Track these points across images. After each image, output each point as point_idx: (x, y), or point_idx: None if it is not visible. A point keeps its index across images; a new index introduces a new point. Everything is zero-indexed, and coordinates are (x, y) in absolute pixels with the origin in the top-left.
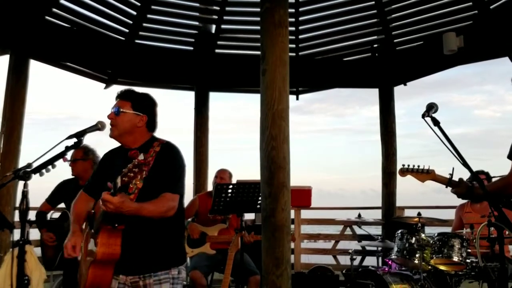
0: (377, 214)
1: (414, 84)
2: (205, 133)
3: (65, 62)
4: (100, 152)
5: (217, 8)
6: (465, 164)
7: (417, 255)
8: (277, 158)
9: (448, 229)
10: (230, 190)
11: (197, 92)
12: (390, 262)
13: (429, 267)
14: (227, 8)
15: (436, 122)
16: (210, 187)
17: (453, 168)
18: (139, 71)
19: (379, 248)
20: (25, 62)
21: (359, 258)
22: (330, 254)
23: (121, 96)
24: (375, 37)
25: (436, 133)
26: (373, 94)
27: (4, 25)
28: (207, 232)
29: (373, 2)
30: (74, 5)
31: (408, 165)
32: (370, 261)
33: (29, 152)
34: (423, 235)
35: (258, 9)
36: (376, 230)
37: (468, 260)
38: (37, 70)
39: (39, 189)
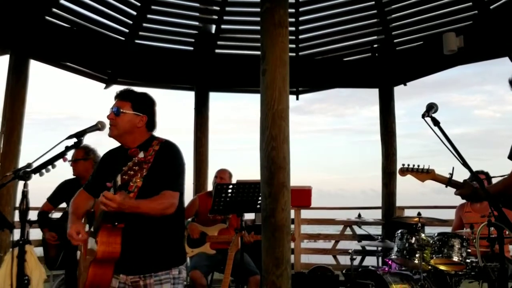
0: (377, 214)
1: (414, 84)
2: (205, 133)
3: (65, 62)
4: (101, 152)
5: (217, 8)
6: (465, 164)
7: (417, 255)
8: (277, 158)
9: (448, 229)
10: (230, 190)
11: (197, 92)
12: (390, 262)
13: (429, 267)
14: (227, 8)
15: (436, 122)
16: (210, 187)
17: (453, 168)
18: (139, 71)
19: (379, 248)
20: (25, 62)
21: (359, 258)
22: (330, 254)
23: (120, 96)
24: (375, 37)
25: (436, 133)
26: (373, 94)
27: (4, 25)
28: (207, 232)
29: (373, 2)
30: (74, 5)
31: (408, 165)
32: (370, 261)
33: (29, 152)
34: (423, 235)
35: (258, 9)
36: (376, 230)
37: (468, 260)
38: (37, 70)
39: (39, 189)
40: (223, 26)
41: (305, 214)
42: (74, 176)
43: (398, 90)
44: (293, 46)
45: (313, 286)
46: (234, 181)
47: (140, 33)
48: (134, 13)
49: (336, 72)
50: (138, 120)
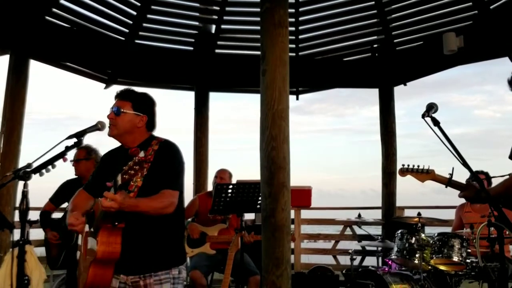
0: (377, 214)
1: (414, 84)
2: (205, 133)
3: (65, 62)
4: (102, 152)
5: (217, 8)
6: (465, 164)
7: (417, 255)
8: (277, 158)
9: (448, 229)
10: (230, 190)
11: (197, 92)
12: (390, 262)
13: (429, 267)
14: (227, 8)
15: (436, 122)
16: (210, 187)
17: (453, 168)
18: (139, 71)
19: (379, 248)
20: (25, 62)
21: (359, 258)
22: (330, 254)
23: (121, 96)
24: (375, 37)
25: (436, 133)
26: (373, 94)
27: (4, 25)
28: (207, 232)
29: (373, 2)
30: (74, 5)
31: (408, 165)
32: (370, 261)
33: (29, 152)
34: (423, 235)
35: (258, 9)
36: (376, 230)
37: (468, 260)
38: (37, 70)
39: (39, 189)
40: (223, 26)
41: (305, 214)
42: (76, 176)
43: (398, 90)
44: (293, 46)
45: (313, 286)
46: (234, 181)
47: (140, 33)
48: (134, 13)
49: (336, 72)
50: (138, 120)
